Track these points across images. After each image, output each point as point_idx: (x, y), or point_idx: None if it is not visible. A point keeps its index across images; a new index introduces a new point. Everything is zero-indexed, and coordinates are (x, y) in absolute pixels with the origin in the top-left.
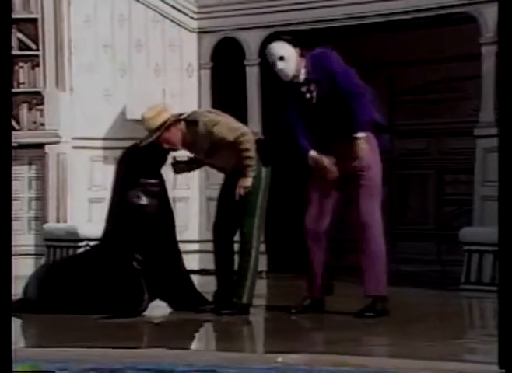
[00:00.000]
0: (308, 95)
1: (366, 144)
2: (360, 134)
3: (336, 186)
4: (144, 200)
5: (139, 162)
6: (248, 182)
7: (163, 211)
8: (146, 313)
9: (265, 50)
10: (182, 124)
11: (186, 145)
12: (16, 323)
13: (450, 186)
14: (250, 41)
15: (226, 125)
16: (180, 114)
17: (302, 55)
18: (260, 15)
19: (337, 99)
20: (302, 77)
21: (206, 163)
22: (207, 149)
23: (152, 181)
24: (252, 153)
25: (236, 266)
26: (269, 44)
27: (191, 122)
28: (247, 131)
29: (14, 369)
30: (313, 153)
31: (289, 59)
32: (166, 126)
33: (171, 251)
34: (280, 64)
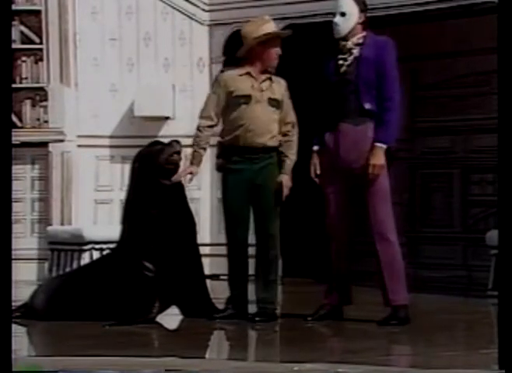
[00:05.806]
0: (341, 62)
1: (383, 156)
2: (382, 145)
3: (347, 181)
4: (158, 206)
5: (153, 165)
6: (289, 180)
7: (179, 217)
8: (158, 320)
9: None
10: (279, 51)
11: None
12: (21, 331)
13: (477, 186)
14: None
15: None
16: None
17: (365, 26)
18: (274, 6)
19: (369, 84)
20: (350, 44)
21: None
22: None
23: (168, 185)
24: (296, 149)
25: (255, 271)
26: None
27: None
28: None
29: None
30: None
31: (349, 18)
32: (265, 38)
33: (188, 257)
34: (338, 19)
